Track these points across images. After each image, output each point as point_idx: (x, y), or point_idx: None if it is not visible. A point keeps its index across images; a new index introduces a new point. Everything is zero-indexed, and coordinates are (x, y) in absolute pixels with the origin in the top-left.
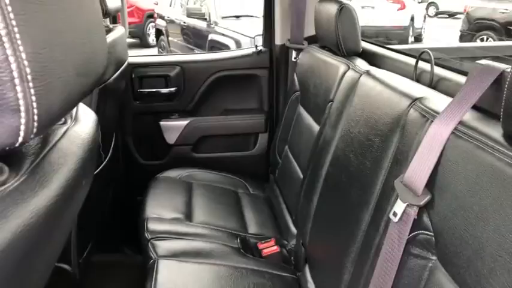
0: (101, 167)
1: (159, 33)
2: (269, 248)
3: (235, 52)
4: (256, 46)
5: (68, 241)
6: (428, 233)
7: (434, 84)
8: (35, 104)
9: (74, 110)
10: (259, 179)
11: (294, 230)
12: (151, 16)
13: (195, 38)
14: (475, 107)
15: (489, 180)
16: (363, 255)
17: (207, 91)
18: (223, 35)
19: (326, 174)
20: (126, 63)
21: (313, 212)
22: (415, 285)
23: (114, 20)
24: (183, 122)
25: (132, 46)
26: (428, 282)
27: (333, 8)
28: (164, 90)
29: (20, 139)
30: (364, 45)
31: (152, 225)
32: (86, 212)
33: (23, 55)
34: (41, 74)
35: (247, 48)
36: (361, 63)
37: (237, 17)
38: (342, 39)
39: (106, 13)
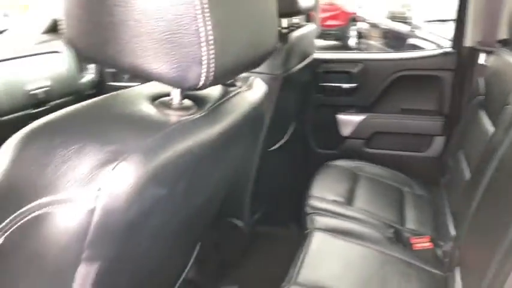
0: (279, 145)
1: (360, 36)
2: (422, 243)
3: (419, 53)
4: (442, 48)
5: (242, 200)
6: None
7: None
8: (213, 61)
9: (250, 80)
10: (428, 182)
11: (453, 232)
12: (355, 19)
13: (395, 41)
14: None
15: None
16: None
17: (386, 89)
18: (423, 39)
19: (490, 179)
20: (311, 57)
21: (471, 217)
22: None
23: (308, 19)
24: (360, 117)
25: (334, 48)
26: None
27: None
28: (345, 86)
29: (201, 83)
30: None
31: (314, 202)
32: (261, 181)
33: (209, 27)
34: (220, 41)
35: (433, 50)
36: None
37: (443, 21)
38: None
39: (298, 11)
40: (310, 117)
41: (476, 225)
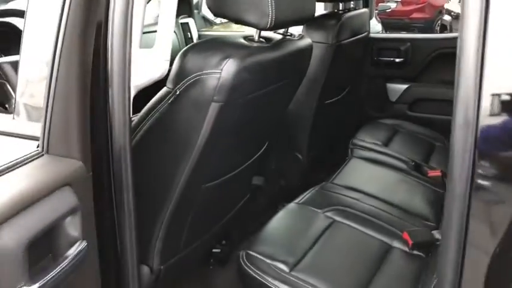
0: (335, 99)
1: (443, 28)
2: (434, 173)
3: (457, 34)
4: None
5: (303, 138)
6: None
7: None
8: (274, 15)
9: (301, 36)
10: None
11: None
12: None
13: None
14: None
15: None
16: None
17: (428, 64)
18: None
19: None
20: (364, 35)
21: None
22: None
23: (366, 5)
24: (405, 86)
25: None
26: None
27: None
28: (396, 60)
29: (267, 27)
30: None
31: (356, 141)
32: (318, 126)
33: None
34: (276, 5)
35: None
36: None
37: None
38: None
39: None
40: (365, 85)
41: None
